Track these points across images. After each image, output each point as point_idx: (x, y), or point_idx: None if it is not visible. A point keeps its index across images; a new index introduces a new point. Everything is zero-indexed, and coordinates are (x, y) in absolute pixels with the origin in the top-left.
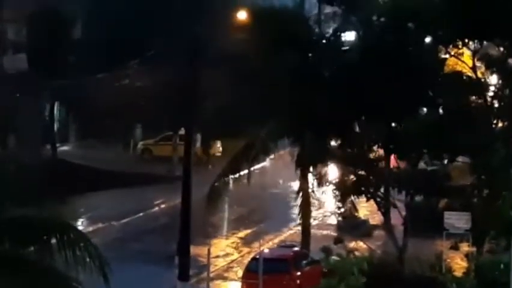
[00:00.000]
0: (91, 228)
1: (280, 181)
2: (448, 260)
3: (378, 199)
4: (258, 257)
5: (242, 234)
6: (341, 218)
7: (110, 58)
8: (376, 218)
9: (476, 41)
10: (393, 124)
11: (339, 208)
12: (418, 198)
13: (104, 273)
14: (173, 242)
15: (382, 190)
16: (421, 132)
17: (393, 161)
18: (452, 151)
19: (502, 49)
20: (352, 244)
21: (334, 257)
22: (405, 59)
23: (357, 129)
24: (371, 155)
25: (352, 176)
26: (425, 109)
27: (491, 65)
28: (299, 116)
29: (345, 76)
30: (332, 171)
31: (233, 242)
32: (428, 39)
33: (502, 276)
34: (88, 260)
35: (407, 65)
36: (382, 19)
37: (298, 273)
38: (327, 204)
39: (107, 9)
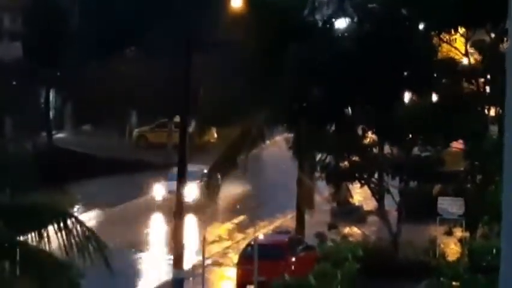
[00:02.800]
0: (86, 215)
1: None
2: (442, 245)
3: (372, 185)
4: (253, 243)
5: (237, 220)
6: (335, 203)
7: (106, 46)
8: (370, 204)
9: (468, 27)
10: (387, 110)
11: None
12: (412, 184)
13: (104, 257)
14: (169, 228)
15: (376, 176)
16: (415, 119)
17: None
18: (446, 137)
19: (493, 35)
20: (346, 230)
21: (329, 243)
22: (399, 45)
23: (350, 115)
24: (365, 141)
25: (346, 162)
26: (418, 95)
27: (484, 51)
28: (294, 103)
29: (339, 63)
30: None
31: (228, 228)
32: (421, 26)
33: (494, 261)
34: (86, 245)
35: (400, 52)
36: (376, 6)
37: (293, 259)
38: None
39: None
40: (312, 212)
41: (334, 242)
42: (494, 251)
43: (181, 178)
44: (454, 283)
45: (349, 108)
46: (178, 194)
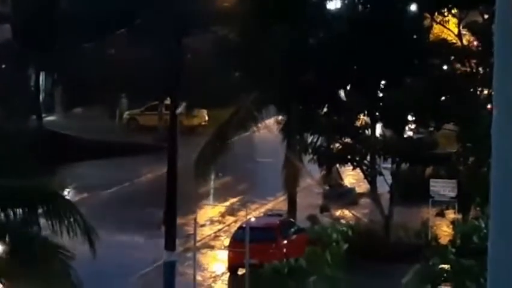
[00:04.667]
0: (77, 198)
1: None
2: (434, 228)
3: (365, 167)
4: (244, 226)
5: (228, 203)
6: (327, 186)
7: (96, 28)
8: (362, 186)
9: (461, 8)
10: (379, 92)
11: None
12: (404, 166)
13: (90, 241)
14: (160, 211)
15: (368, 158)
16: (407, 100)
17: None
18: (438, 119)
19: (486, 16)
20: (338, 212)
21: (320, 225)
22: (391, 26)
23: (343, 97)
24: (357, 123)
25: (338, 144)
26: (411, 77)
27: (477, 32)
28: (285, 84)
29: (331, 44)
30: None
31: (219, 211)
32: (413, 7)
33: (484, 242)
34: (74, 228)
35: (392, 33)
36: None
37: (285, 241)
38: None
39: None
40: (302, 194)
41: (323, 224)
42: (482, 232)
43: (172, 160)
44: (445, 266)
45: (341, 90)
46: (169, 173)
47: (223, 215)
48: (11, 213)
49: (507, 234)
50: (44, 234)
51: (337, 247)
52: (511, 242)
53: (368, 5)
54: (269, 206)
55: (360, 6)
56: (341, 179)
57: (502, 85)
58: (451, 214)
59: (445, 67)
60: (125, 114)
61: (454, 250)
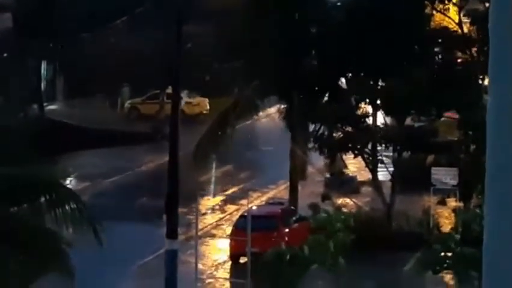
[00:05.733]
0: (79, 187)
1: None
2: (436, 216)
3: (366, 156)
4: (246, 214)
5: (230, 191)
6: (329, 174)
7: (97, 17)
8: (364, 175)
9: None
10: (380, 80)
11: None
12: (405, 154)
13: (94, 230)
14: (162, 200)
15: (369, 147)
16: (408, 88)
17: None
18: (439, 107)
19: (487, 4)
20: (340, 201)
21: (322, 214)
22: (392, 15)
23: (344, 86)
24: (359, 112)
25: (339, 133)
26: (411, 65)
27: (477, 20)
28: (286, 73)
29: (332, 33)
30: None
31: (221, 200)
32: None
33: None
34: (77, 217)
35: (393, 21)
36: None
37: (287, 230)
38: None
39: None
40: (304, 183)
41: (327, 212)
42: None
43: (173, 149)
44: (447, 254)
45: (342, 78)
46: (170, 162)
47: (224, 204)
48: (14, 203)
49: (502, 223)
50: (46, 224)
51: (342, 236)
52: (507, 231)
53: None
54: (270, 194)
55: None
56: (346, 167)
57: (497, 72)
58: (452, 202)
59: (446, 55)
60: (127, 103)
61: (458, 237)
